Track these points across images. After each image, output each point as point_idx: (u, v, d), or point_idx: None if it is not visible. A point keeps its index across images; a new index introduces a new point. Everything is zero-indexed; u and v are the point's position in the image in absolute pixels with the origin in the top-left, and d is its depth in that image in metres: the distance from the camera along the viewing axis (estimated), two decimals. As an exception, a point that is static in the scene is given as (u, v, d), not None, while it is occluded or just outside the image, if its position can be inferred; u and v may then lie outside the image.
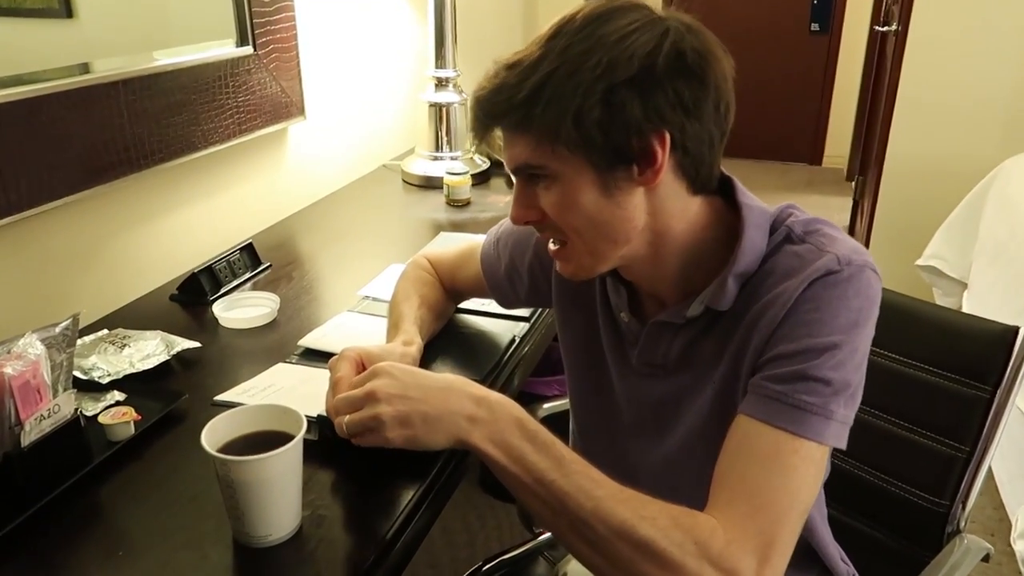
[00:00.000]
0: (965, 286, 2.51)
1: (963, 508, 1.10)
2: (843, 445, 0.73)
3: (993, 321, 1.08)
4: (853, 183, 4.13)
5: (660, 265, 0.83)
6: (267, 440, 0.76)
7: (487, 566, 1.23)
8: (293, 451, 0.74)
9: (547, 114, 0.73)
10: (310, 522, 0.79)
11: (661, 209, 0.78)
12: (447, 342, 1.12)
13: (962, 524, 1.10)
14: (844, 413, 0.73)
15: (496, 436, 0.71)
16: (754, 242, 0.79)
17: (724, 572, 0.65)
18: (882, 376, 1.14)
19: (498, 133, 0.80)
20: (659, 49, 0.72)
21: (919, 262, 2.68)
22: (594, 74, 0.72)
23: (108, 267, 1.30)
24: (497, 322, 1.19)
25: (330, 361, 0.88)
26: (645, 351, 0.88)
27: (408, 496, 0.83)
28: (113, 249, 1.30)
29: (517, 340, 1.15)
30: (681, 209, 0.80)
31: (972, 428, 1.07)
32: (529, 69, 0.74)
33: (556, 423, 1.59)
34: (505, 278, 1.06)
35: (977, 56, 2.76)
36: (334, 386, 0.85)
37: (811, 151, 5.21)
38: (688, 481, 0.90)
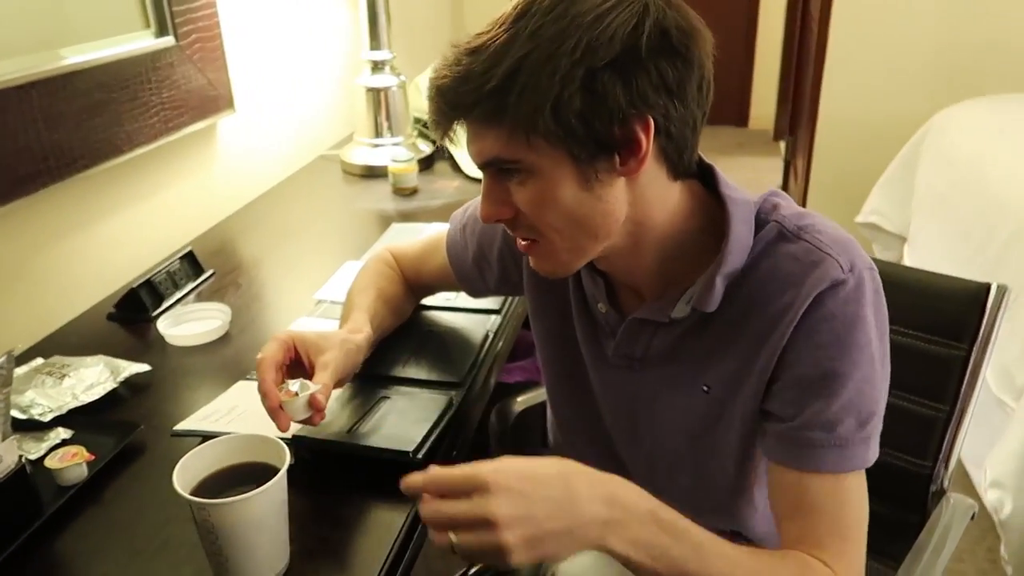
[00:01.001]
0: (904, 240, 2.56)
1: (946, 468, 1.10)
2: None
3: (965, 280, 1.08)
4: (783, 144, 4.19)
5: (639, 256, 0.78)
6: (245, 474, 0.69)
7: (472, 570, 1.19)
8: (278, 486, 0.67)
9: (522, 104, 0.66)
10: (300, 557, 0.72)
11: (642, 198, 0.73)
12: (419, 343, 1.06)
13: (946, 483, 1.11)
14: (878, 429, 0.74)
15: (637, 537, 0.63)
16: (741, 238, 0.75)
17: None
18: (859, 341, 1.13)
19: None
20: (641, 27, 0.66)
21: (858, 219, 2.72)
22: (572, 58, 0.65)
23: (34, 288, 1.18)
24: (468, 317, 1.13)
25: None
26: (623, 345, 0.85)
27: (401, 518, 0.77)
28: (38, 268, 1.19)
29: (491, 335, 1.09)
30: (662, 197, 0.75)
31: (950, 388, 1.07)
32: (497, 54, 0.67)
33: (531, 416, 1.55)
34: (473, 267, 1.01)
35: (903, 12, 2.80)
36: (257, 367, 0.81)
37: (737, 113, 5.25)
38: (681, 475, 0.88)
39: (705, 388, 0.80)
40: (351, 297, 1.02)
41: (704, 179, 0.79)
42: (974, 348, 1.05)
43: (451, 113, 0.71)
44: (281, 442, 0.70)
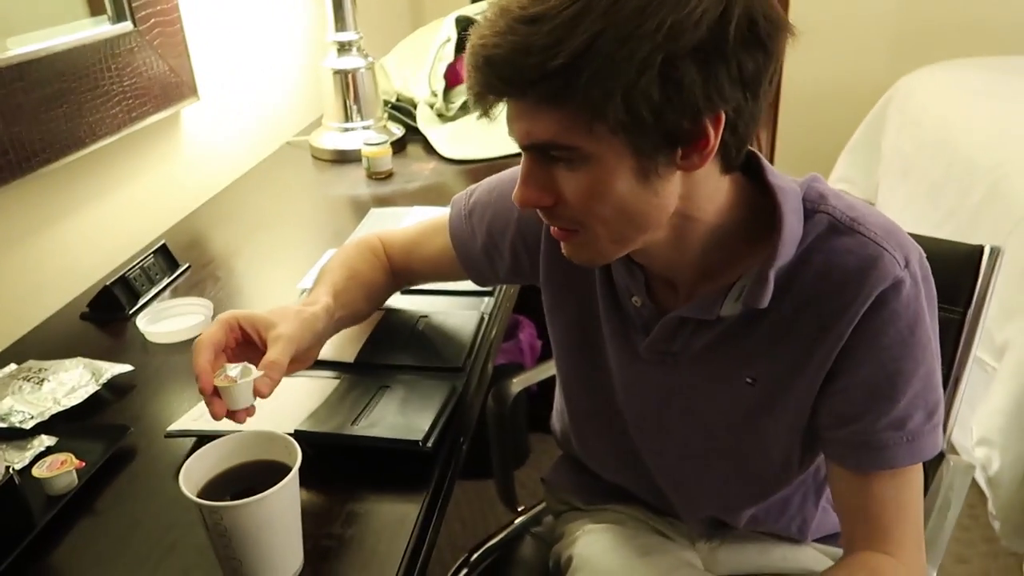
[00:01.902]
0: (873, 205, 2.59)
1: (944, 430, 1.11)
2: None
3: (958, 242, 1.08)
4: (744, 116, 4.21)
5: (682, 249, 0.73)
6: (254, 473, 0.66)
7: (475, 555, 1.16)
8: (291, 484, 0.64)
9: (593, 88, 0.59)
10: (315, 556, 0.69)
11: (694, 192, 0.68)
12: (413, 330, 1.03)
13: (944, 445, 1.12)
14: (943, 413, 0.75)
15: None
16: (793, 230, 0.70)
17: None
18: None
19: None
20: (730, 14, 0.59)
21: (826, 187, 2.74)
22: (654, 41, 0.58)
23: (1, 290, 1.12)
24: (461, 300, 1.10)
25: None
26: (659, 341, 0.80)
27: (415, 510, 0.75)
28: (3, 269, 1.13)
29: (486, 318, 1.06)
30: (713, 191, 0.70)
31: (946, 351, 1.07)
32: (565, 27, 0.58)
33: (522, 398, 1.53)
34: (482, 255, 0.94)
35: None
36: (193, 348, 0.74)
37: (696, 88, 5.27)
38: (719, 465, 0.86)
39: (749, 380, 0.77)
40: (319, 276, 0.94)
41: (747, 169, 0.74)
42: (969, 311, 1.05)
43: (503, 88, 0.63)
44: (291, 438, 0.67)
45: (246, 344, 0.79)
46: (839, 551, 0.95)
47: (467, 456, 0.86)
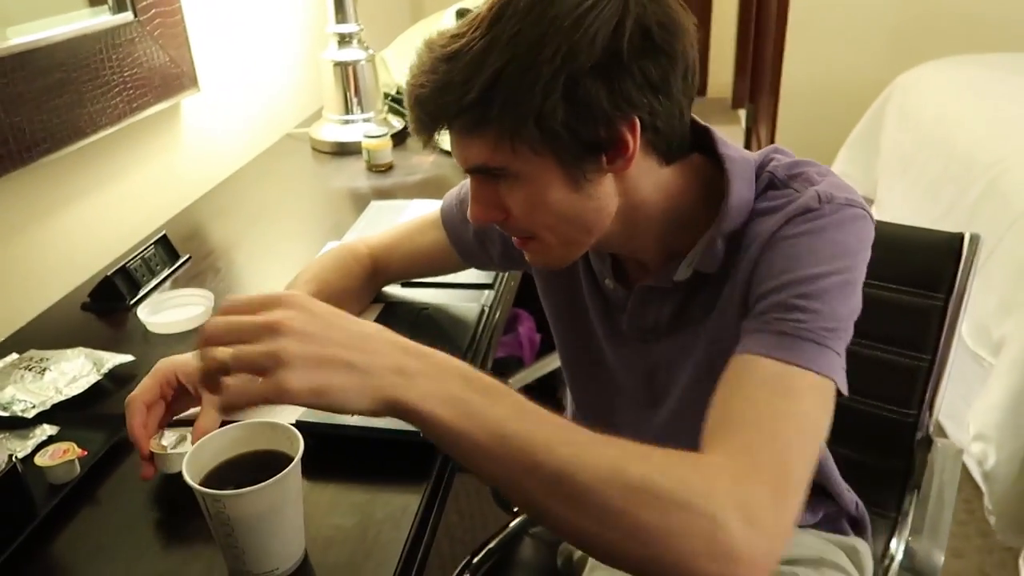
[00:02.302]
0: (872, 202, 2.59)
1: (930, 414, 1.13)
2: (843, 386, 0.66)
3: (939, 231, 1.10)
4: (743, 111, 4.21)
5: (637, 237, 0.78)
6: (255, 463, 0.66)
7: (476, 558, 1.17)
8: (294, 474, 0.64)
9: (505, 116, 0.65)
10: (316, 547, 0.69)
11: (633, 188, 0.73)
12: (415, 321, 1.03)
13: (931, 429, 1.13)
14: (840, 347, 0.66)
15: (437, 390, 0.54)
16: (742, 196, 0.74)
17: (738, 507, 0.53)
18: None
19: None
20: (622, 28, 0.64)
21: (824, 183, 2.75)
22: (553, 66, 0.64)
23: (0, 280, 1.12)
24: (462, 293, 1.11)
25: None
26: (635, 317, 0.83)
27: (416, 500, 0.75)
28: (3, 259, 1.13)
29: (487, 310, 1.07)
30: (654, 182, 0.74)
31: (930, 337, 1.10)
32: (475, 63, 0.65)
33: (537, 395, 1.54)
34: (475, 241, 0.97)
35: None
36: (126, 407, 0.75)
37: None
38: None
39: (712, 346, 0.79)
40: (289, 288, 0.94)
41: (702, 146, 0.77)
42: (951, 297, 1.07)
43: (433, 123, 0.70)
44: (293, 428, 0.67)
45: (183, 393, 0.80)
46: (841, 537, 0.96)
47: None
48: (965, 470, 1.63)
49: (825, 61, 2.92)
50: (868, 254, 0.71)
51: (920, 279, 1.09)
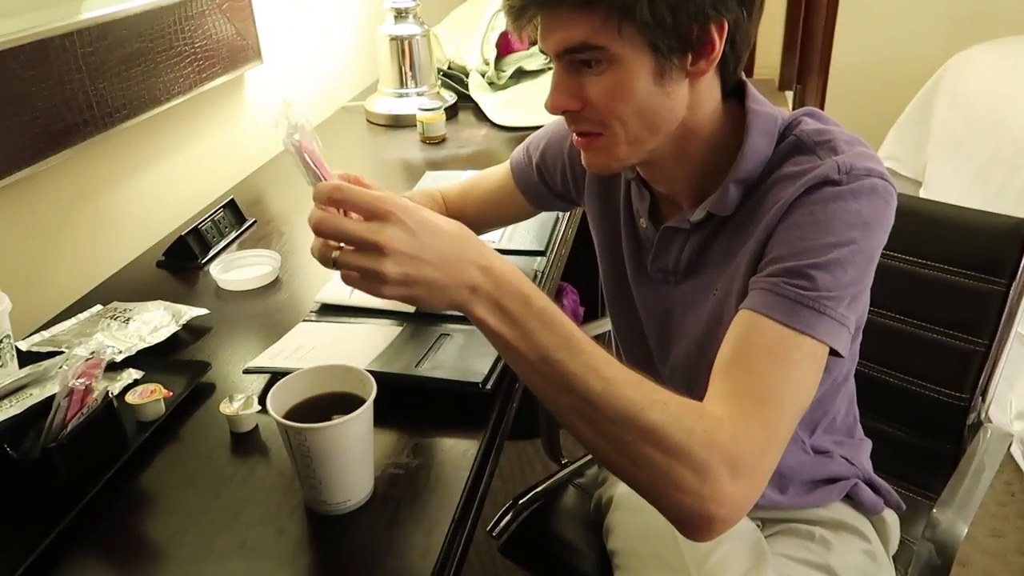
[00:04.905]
0: (920, 184, 2.57)
1: (983, 400, 1.13)
2: (842, 348, 0.70)
3: (1004, 215, 1.09)
4: (791, 93, 4.17)
5: (682, 163, 0.81)
6: (331, 403, 0.71)
7: (521, 501, 1.22)
8: (367, 413, 0.69)
9: None
10: (384, 483, 0.75)
11: (697, 103, 0.77)
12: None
13: (983, 415, 1.14)
14: (842, 313, 0.70)
15: (499, 309, 0.64)
16: (757, 147, 0.78)
17: (729, 460, 0.62)
18: (896, 278, 1.16)
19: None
20: None
21: (872, 165, 2.73)
22: None
23: (83, 237, 1.20)
24: (515, 259, 1.15)
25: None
26: (658, 257, 0.89)
27: (475, 446, 0.80)
28: (84, 218, 1.20)
29: (539, 275, 1.11)
30: (712, 108, 0.79)
31: (989, 322, 1.10)
32: None
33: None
34: (537, 177, 1.05)
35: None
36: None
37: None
38: (697, 386, 0.89)
39: (715, 292, 0.83)
40: None
41: (739, 99, 0.82)
42: (1013, 283, 1.07)
43: (542, 0, 0.72)
44: (367, 372, 0.72)
45: None
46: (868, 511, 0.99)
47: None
48: (1007, 453, 1.63)
49: (876, 42, 2.89)
50: (889, 222, 0.74)
51: (982, 263, 1.09)
